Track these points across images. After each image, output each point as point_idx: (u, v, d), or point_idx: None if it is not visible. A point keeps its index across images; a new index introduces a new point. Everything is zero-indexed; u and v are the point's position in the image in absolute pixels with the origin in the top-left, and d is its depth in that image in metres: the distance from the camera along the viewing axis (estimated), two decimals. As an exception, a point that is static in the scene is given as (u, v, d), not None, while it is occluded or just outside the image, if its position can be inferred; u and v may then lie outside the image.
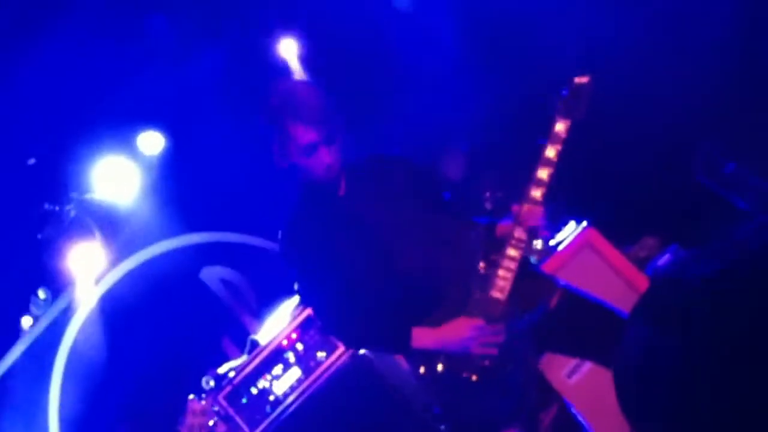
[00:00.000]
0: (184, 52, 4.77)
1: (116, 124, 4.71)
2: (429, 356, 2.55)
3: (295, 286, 2.74)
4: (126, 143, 4.74)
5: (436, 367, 2.56)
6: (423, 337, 2.52)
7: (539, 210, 2.57)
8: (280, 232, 2.76)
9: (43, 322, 4.71)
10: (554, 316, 2.63)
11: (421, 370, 2.60)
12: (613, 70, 4.05)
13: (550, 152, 2.57)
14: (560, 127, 2.59)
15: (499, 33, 4.55)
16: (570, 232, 3.84)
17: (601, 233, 3.80)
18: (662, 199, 4.23)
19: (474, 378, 2.53)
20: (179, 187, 4.84)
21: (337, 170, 2.63)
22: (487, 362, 2.51)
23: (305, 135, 2.54)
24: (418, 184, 2.73)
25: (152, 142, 4.78)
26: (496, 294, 2.53)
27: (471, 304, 2.55)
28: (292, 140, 2.57)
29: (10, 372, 4.65)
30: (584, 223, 3.81)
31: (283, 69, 4.86)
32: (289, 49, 4.93)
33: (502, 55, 4.59)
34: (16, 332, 4.76)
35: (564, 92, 2.63)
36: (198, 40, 4.78)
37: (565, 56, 4.08)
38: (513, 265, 2.54)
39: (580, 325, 2.66)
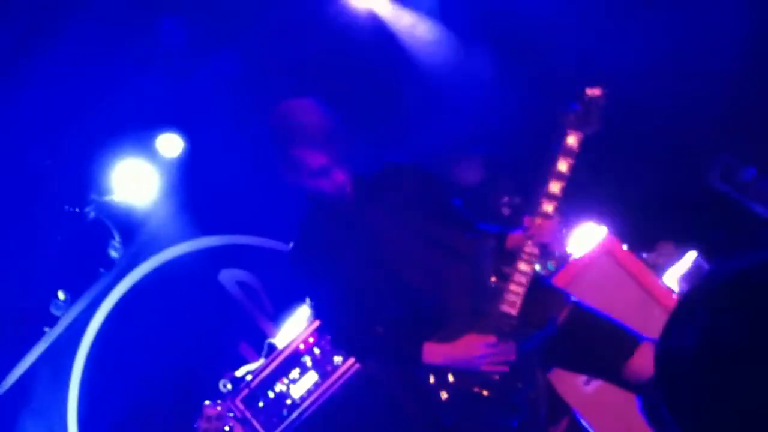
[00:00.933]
0: (203, 54, 4.78)
1: (135, 127, 4.74)
2: (440, 370, 2.53)
3: (307, 301, 2.69)
4: (145, 145, 4.77)
5: (447, 380, 2.53)
6: (434, 353, 2.49)
7: (551, 224, 2.53)
8: (290, 244, 2.74)
9: (63, 324, 4.75)
10: (562, 332, 2.59)
11: (431, 380, 2.57)
12: (630, 73, 4.04)
13: (562, 166, 2.53)
14: (572, 140, 2.55)
15: (516, 39, 4.54)
16: (587, 238, 3.83)
17: (617, 239, 3.79)
18: (679, 205, 4.21)
19: (485, 393, 2.50)
20: (198, 190, 4.86)
21: (349, 186, 2.59)
22: (497, 377, 2.49)
23: (315, 159, 2.48)
24: (428, 193, 2.69)
25: (171, 144, 4.81)
26: (507, 309, 2.49)
27: (481, 318, 2.51)
28: (302, 165, 2.51)
29: (30, 373, 4.70)
30: (603, 230, 3.80)
31: (301, 72, 4.86)
32: (308, 53, 4.94)
33: (521, 60, 4.58)
34: (36, 333, 4.80)
35: (575, 106, 2.58)
36: (217, 42, 4.80)
37: (582, 62, 4.06)
38: (524, 280, 2.50)
39: (588, 342, 2.62)
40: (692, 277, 3.83)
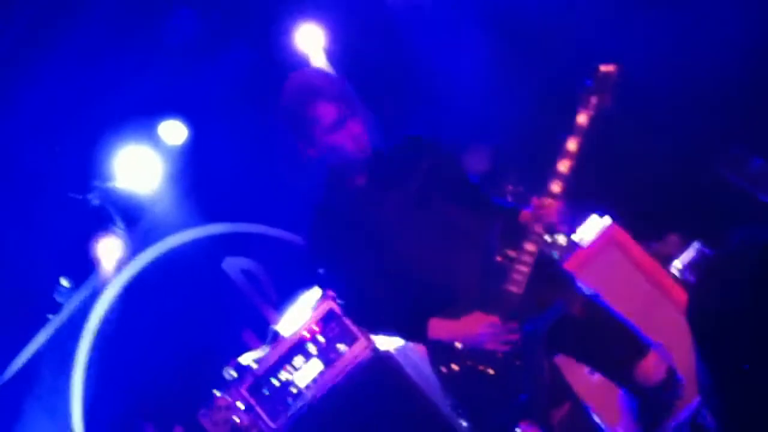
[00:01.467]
0: (207, 42, 4.76)
1: (139, 114, 4.72)
2: (446, 347, 2.53)
3: (320, 271, 2.69)
4: (148, 132, 4.76)
5: (453, 357, 2.54)
6: (439, 328, 2.51)
7: (557, 205, 2.51)
8: (306, 221, 2.76)
9: (67, 310, 4.76)
10: (575, 324, 2.57)
11: (442, 368, 2.58)
12: (637, 65, 4.02)
13: (572, 145, 2.50)
14: (582, 118, 2.52)
15: (525, 29, 4.52)
16: (593, 228, 3.83)
17: (624, 230, 3.78)
18: (686, 196, 4.20)
19: (489, 371, 2.51)
20: (201, 177, 4.86)
21: (366, 142, 2.58)
22: (500, 355, 2.50)
23: (328, 112, 2.50)
24: (445, 168, 2.68)
25: (174, 131, 4.80)
26: (512, 288, 2.50)
27: (487, 298, 2.52)
28: (317, 122, 2.52)
29: (34, 359, 4.71)
30: (608, 219, 3.80)
31: (306, 61, 4.84)
32: (312, 42, 4.91)
33: (529, 50, 4.56)
34: (40, 320, 4.81)
35: (588, 82, 2.56)
36: (221, 31, 4.77)
37: (591, 53, 4.03)
38: (530, 259, 2.50)
39: (600, 339, 2.60)
40: (697, 266, 3.82)
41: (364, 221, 2.59)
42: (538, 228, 2.51)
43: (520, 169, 4.02)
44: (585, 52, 4.06)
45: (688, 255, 3.86)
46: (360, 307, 2.65)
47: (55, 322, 4.78)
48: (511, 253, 2.51)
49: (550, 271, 2.63)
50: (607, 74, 2.56)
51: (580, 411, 2.74)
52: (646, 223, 3.97)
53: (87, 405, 4.64)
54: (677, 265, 3.89)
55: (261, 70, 4.79)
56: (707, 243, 3.84)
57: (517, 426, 2.51)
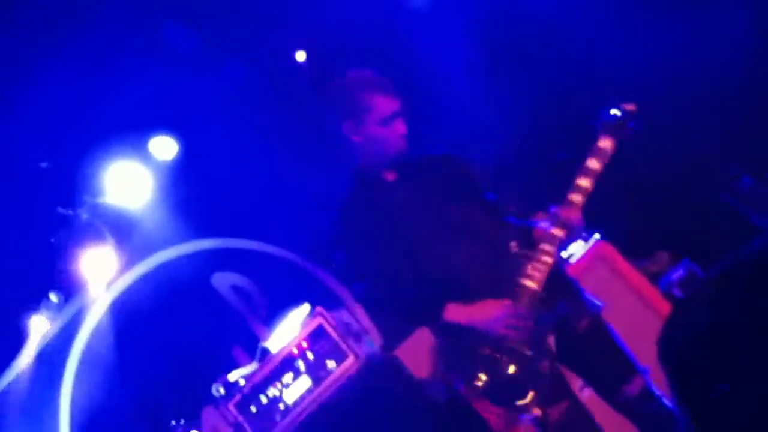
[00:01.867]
0: (198, 57, 4.78)
1: (129, 129, 4.72)
2: (458, 332, 2.65)
3: (344, 258, 2.86)
4: (138, 148, 4.75)
5: (463, 343, 2.67)
6: (453, 312, 2.64)
7: (577, 213, 2.66)
8: (333, 213, 2.93)
9: (55, 326, 4.73)
10: (578, 336, 2.71)
11: (448, 342, 2.73)
12: (631, 80, 4.06)
13: (593, 164, 2.65)
14: (605, 143, 2.66)
15: (525, 48, 4.55)
16: (582, 244, 3.83)
17: (613, 246, 3.79)
18: (675, 214, 4.22)
19: (497, 356, 2.61)
20: (191, 193, 4.85)
21: (406, 143, 2.79)
22: (511, 343, 2.60)
23: (388, 105, 2.70)
24: (464, 182, 2.85)
25: (165, 147, 4.80)
26: (527, 282, 2.59)
27: (500, 287, 2.63)
28: (373, 111, 2.70)
29: (22, 376, 4.68)
30: (596, 236, 3.81)
31: (299, 76, 4.85)
32: (306, 57, 4.93)
33: (528, 58, 4.58)
34: (28, 335, 4.78)
35: (612, 115, 2.70)
36: (212, 46, 4.79)
37: (591, 77, 4.09)
38: (548, 259, 2.59)
39: (597, 355, 2.75)
40: (686, 284, 3.83)
41: (390, 213, 2.78)
42: (558, 231, 2.62)
43: (515, 189, 4.03)
44: (586, 75, 4.12)
45: (678, 274, 3.88)
46: (380, 290, 2.80)
47: (44, 337, 4.75)
48: (528, 252, 2.63)
49: (562, 280, 2.75)
50: (628, 112, 2.71)
51: (578, 410, 2.84)
52: (636, 240, 3.98)
53: (75, 421, 4.61)
54: (666, 282, 3.90)
55: (252, 86, 4.80)
56: (696, 261, 3.86)
57: (522, 416, 2.61)
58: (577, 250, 3.83)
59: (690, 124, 4.18)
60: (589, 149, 2.67)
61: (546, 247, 2.61)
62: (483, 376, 2.63)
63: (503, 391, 2.62)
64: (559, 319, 2.66)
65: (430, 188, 2.81)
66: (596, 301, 2.84)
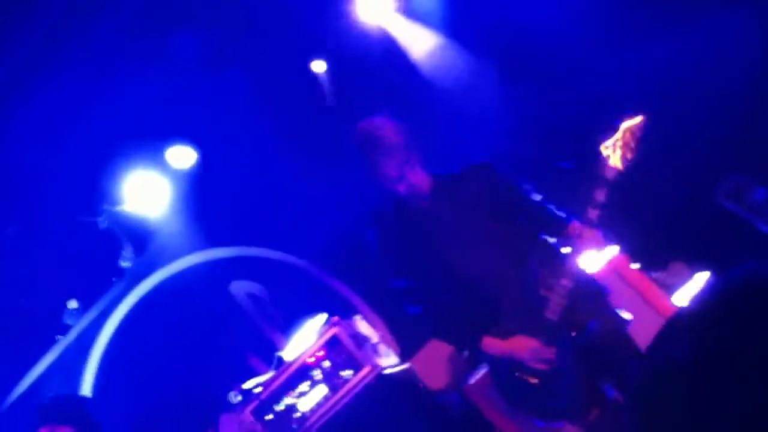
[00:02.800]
0: (215, 67, 4.81)
1: (147, 138, 4.77)
2: (499, 362, 2.97)
3: (393, 283, 3.09)
4: (156, 157, 4.80)
5: (501, 369, 2.98)
6: (489, 344, 2.94)
7: (594, 233, 2.83)
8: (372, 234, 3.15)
9: (74, 332, 4.78)
10: (601, 341, 2.92)
11: (486, 369, 3.11)
12: (640, 92, 4.06)
13: (600, 196, 2.80)
14: (610, 172, 2.78)
15: (533, 59, 4.56)
16: (598, 256, 3.83)
17: (628, 258, 3.79)
18: (691, 226, 4.22)
19: (533, 381, 2.92)
20: (209, 201, 4.89)
21: (424, 184, 3.00)
22: (542, 367, 2.89)
23: (391, 168, 2.92)
24: (500, 195, 3.00)
25: (182, 156, 4.84)
26: (550, 315, 2.83)
27: (529, 322, 2.88)
28: (380, 171, 2.94)
29: (41, 380, 4.73)
30: (615, 248, 3.81)
31: (313, 86, 4.88)
32: (319, 67, 4.96)
33: (535, 71, 4.60)
34: (48, 341, 4.84)
35: (613, 133, 2.79)
36: (229, 56, 4.82)
37: (596, 86, 4.09)
38: (565, 292, 2.81)
39: (613, 358, 2.92)
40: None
41: (425, 241, 2.99)
42: (572, 265, 2.83)
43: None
44: (591, 84, 4.12)
45: (694, 285, 3.87)
46: (427, 318, 3.05)
47: (63, 343, 4.81)
48: (550, 283, 2.84)
49: (590, 290, 2.96)
50: (633, 126, 2.79)
51: (608, 418, 2.95)
52: (651, 253, 3.98)
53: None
54: (682, 294, 3.90)
55: (270, 96, 4.83)
56: (711, 272, 3.86)
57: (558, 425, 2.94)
58: (593, 262, 3.84)
59: (702, 135, 4.17)
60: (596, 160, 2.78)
61: (565, 281, 2.81)
62: (526, 398, 2.97)
63: (544, 408, 2.97)
64: (587, 338, 2.89)
65: (462, 215, 2.98)
66: (624, 315, 3.00)
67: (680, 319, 0.97)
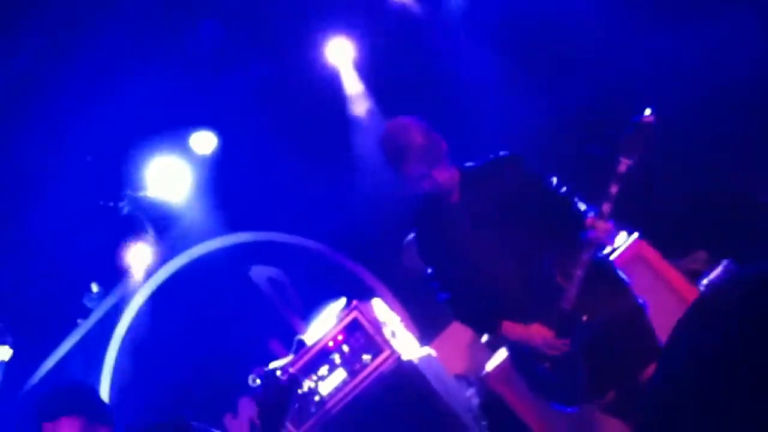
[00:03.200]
0: (237, 54, 4.83)
1: (170, 124, 4.80)
2: (514, 346, 3.12)
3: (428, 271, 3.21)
4: (179, 143, 4.83)
5: (519, 354, 3.11)
6: (509, 330, 3.06)
7: (609, 226, 2.88)
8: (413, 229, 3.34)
9: (96, 316, 4.83)
10: (612, 321, 2.95)
11: (506, 352, 3.24)
12: (669, 83, 4.03)
13: (613, 189, 2.85)
14: (623, 166, 2.82)
15: (558, 52, 4.55)
16: (621, 243, 3.82)
17: (651, 245, 3.77)
18: (714, 214, 4.18)
19: (547, 365, 3.02)
20: (230, 187, 4.92)
21: (451, 180, 3.10)
22: (557, 353, 2.98)
23: (415, 169, 3.02)
24: (524, 186, 3.07)
25: (204, 141, 4.87)
26: (565, 305, 2.92)
27: (545, 311, 2.97)
28: (406, 174, 3.05)
29: (63, 363, 4.78)
30: (635, 235, 3.79)
31: (334, 73, 4.89)
32: (342, 55, 4.96)
33: (550, 65, 4.58)
34: (70, 324, 4.88)
35: (627, 130, 2.82)
36: (251, 42, 4.84)
37: (618, 78, 4.07)
38: (578, 282, 2.89)
39: (627, 339, 2.95)
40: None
41: (452, 234, 3.11)
42: (588, 252, 2.89)
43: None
44: (612, 76, 4.10)
45: (715, 272, 3.84)
46: (452, 304, 3.19)
47: (85, 326, 4.85)
48: (567, 273, 2.92)
49: (607, 276, 3.02)
50: (645, 123, 2.82)
51: (623, 401, 3.00)
52: (674, 239, 3.95)
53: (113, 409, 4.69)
54: (705, 281, 3.87)
55: (290, 81, 4.85)
56: (735, 260, 3.82)
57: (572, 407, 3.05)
58: (616, 248, 3.82)
59: (728, 124, 4.14)
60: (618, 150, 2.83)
61: (578, 272, 2.89)
62: (542, 382, 3.08)
63: (548, 388, 3.09)
64: (601, 326, 2.93)
65: (484, 208, 3.07)
66: (640, 300, 3.02)
67: (703, 304, 0.96)
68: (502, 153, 3.18)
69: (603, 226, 2.85)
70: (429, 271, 3.21)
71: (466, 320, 3.30)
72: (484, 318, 3.13)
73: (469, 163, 3.18)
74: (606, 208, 2.84)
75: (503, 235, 3.03)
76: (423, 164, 2.99)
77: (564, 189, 3.10)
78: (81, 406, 2.97)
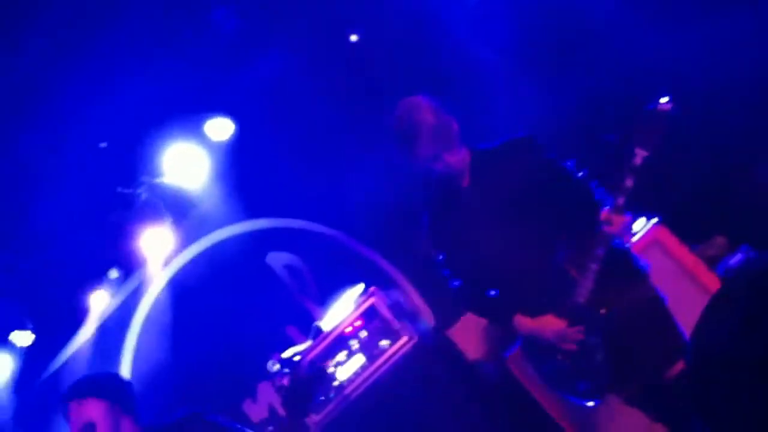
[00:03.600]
0: (253, 40, 4.82)
1: (186, 111, 4.80)
2: (527, 339, 3.04)
3: (439, 257, 3.14)
4: (195, 129, 4.83)
5: (532, 347, 3.05)
6: (521, 323, 3.00)
7: (623, 219, 2.83)
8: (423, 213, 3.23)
9: (114, 302, 4.86)
10: (632, 318, 2.90)
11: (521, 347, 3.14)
12: (686, 68, 4.00)
13: (629, 183, 2.80)
14: (638, 157, 2.78)
15: (576, 41, 4.52)
16: (639, 228, 3.81)
17: (670, 231, 3.75)
18: (733, 199, 4.16)
19: (560, 358, 2.98)
20: (247, 173, 4.92)
21: (463, 163, 3.02)
22: (570, 347, 2.94)
23: (426, 150, 2.93)
24: (538, 169, 2.99)
25: (221, 128, 4.87)
26: (578, 297, 2.88)
27: (559, 304, 2.93)
28: (417, 156, 2.96)
29: (81, 351, 4.82)
30: (654, 220, 3.78)
31: (350, 59, 4.88)
32: (353, 42, 4.95)
33: (567, 52, 4.56)
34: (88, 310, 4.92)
35: (643, 119, 2.78)
36: (267, 28, 4.83)
37: (636, 62, 4.04)
38: (592, 275, 2.85)
39: (647, 334, 2.93)
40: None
41: (462, 218, 3.03)
42: (602, 245, 2.83)
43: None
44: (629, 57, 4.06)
45: (735, 257, 3.83)
46: (462, 293, 3.12)
47: (103, 313, 4.89)
48: (581, 266, 2.87)
49: (623, 267, 2.95)
50: (662, 110, 2.77)
51: (650, 392, 2.98)
52: (693, 225, 3.94)
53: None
54: (723, 267, 3.85)
55: (306, 67, 4.84)
56: (753, 246, 3.80)
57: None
58: (634, 233, 3.81)
59: (749, 108, 4.10)
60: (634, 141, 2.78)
61: (593, 265, 2.84)
62: (558, 374, 3.03)
63: (563, 382, 3.03)
64: (618, 318, 2.89)
65: (496, 192, 2.99)
66: (659, 292, 2.99)
67: (729, 290, 0.96)
68: (515, 134, 3.08)
69: (619, 219, 2.79)
70: (440, 257, 3.12)
71: (475, 311, 3.21)
72: (494, 310, 3.07)
73: (481, 145, 3.08)
74: (621, 201, 2.77)
75: (515, 223, 2.94)
76: (434, 145, 2.90)
77: (581, 174, 3.02)
78: (110, 392, 3.04)
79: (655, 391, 2.94)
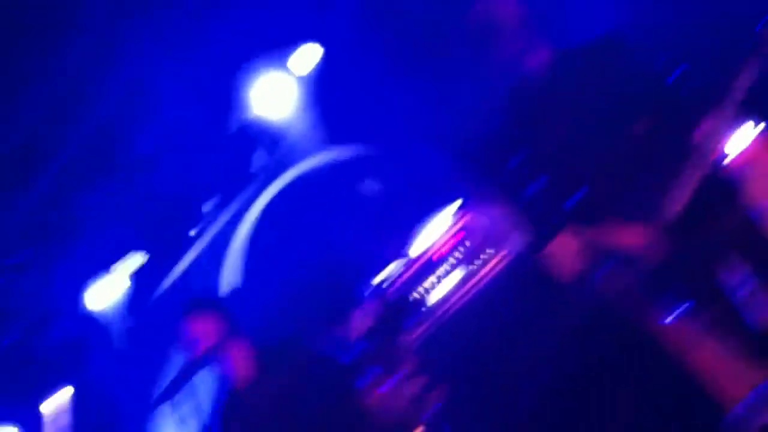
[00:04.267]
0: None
1: (273, 41, 4.82)
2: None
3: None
4: (282, 59, 4.86)
5: None
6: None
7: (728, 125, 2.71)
8: None
9: (210, 233, 5.00)
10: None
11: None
12: None
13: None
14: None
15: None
16: (744, 138, 3.64)
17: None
18: None
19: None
20: (334, 101, 4.94)
21: (544, 60, 2.88)
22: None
23: (508, 47, 2.83)
24: (626, 75, 2.80)
25: (308, 56, 4.88)
26: (672, 209, 2.68)
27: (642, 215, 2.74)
28: (498, 53, 2.87)
29: (183, 278, 5.00)
30: (763, 124, 3.59)
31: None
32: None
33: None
34: (185, 243, 5.08)
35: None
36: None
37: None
38: (692, 185, 2.67)
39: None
40: None
41: (541, 119, 2.89)
42: (706, 149, 2.66)
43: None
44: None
45: None
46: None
47: (201, 244, 5.04)
48: (674, 174, 2.65)
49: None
50: None
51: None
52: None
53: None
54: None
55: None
56: None
57: None
58: (737, 145, 3.64)
59: None
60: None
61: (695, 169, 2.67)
62: None
63: None
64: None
65: (575, 97, 2.83)
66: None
67: None
68: (601, 32, 2.89)
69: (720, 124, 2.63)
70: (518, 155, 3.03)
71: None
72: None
73: (565, 45, 2.91)
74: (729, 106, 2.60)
75: (591, 128, 2.77)
76: (517, 41, 2.81)
77: (680, 70, 2.88)
78: (227, 315, 3.18)
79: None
